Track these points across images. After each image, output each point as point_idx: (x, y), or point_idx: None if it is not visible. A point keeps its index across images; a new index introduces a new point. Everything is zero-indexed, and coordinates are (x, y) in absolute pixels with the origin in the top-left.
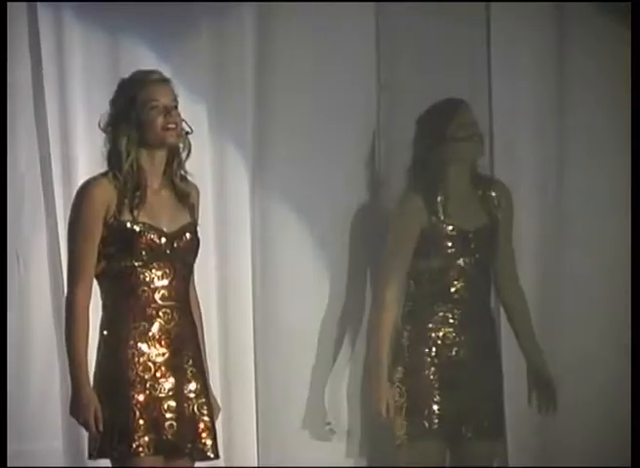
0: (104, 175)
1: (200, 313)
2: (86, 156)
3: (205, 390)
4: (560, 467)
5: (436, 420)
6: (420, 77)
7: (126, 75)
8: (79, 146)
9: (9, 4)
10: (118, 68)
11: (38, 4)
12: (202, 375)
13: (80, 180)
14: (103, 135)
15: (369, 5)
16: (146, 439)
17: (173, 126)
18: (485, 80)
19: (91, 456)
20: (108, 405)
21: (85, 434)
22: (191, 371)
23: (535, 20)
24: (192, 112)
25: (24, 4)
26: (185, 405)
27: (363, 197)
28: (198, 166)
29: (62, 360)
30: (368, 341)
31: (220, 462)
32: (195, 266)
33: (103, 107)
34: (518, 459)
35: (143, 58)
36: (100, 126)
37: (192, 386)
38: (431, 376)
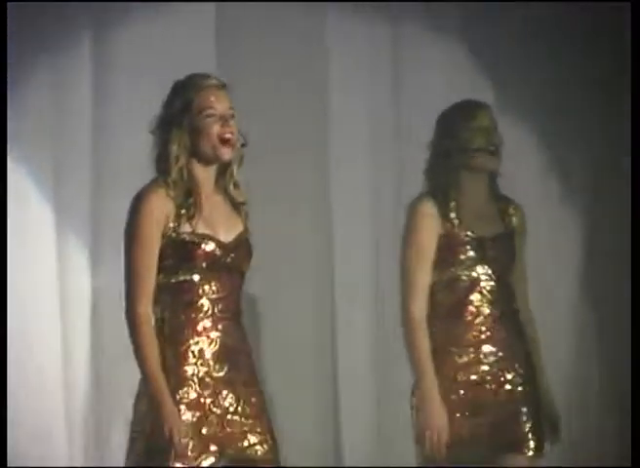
0: (157, 182)
1: None
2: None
3: (262, 402)
4: (560, 467)
5: (457, 440)
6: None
7: None
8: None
9: None
10: None
11: None
12: (257, 387)
13: None
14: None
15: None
16: (209, 454)
17: (229, 136)
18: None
19: None
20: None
21: (87, 442)
22: (244, 382)
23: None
24: None
25: None
26: (244, 419)
27: None
28: None
29: (65, 360)
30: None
31: None
32: None
33: None
34: None
35: None
36: (150, 129)
37: (251, 400)
38: (451, 395)
